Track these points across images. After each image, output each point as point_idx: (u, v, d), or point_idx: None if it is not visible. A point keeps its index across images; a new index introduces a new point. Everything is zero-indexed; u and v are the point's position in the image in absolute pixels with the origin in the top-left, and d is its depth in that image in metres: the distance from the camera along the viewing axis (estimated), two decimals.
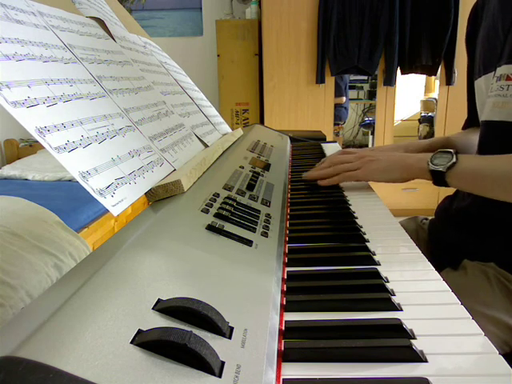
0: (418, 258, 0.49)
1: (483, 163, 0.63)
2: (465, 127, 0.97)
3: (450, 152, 0.64)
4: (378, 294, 0.39)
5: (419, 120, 3.69)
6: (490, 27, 0.76)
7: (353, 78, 3.70)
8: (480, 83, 0.80)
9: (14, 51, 0.40)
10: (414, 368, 0.30)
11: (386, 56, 2.77)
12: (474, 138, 0.80)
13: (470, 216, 0.74)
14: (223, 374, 0.24)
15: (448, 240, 0.78)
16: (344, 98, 3.44)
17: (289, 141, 1.28)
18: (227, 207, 0.50)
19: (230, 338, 0.27)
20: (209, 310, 0.27)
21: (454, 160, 0.63)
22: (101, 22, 0.66)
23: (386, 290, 0.40)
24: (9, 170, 2.31)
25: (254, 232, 0.48)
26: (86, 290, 0.27)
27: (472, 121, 0.92)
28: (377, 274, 0.43)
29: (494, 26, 0.75)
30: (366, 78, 3.70)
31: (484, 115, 0.75)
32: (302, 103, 2.90)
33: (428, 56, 2.75)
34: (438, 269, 0.46)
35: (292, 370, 0.30)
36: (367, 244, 0.52)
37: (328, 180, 0.76)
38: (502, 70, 0.69)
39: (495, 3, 0.75)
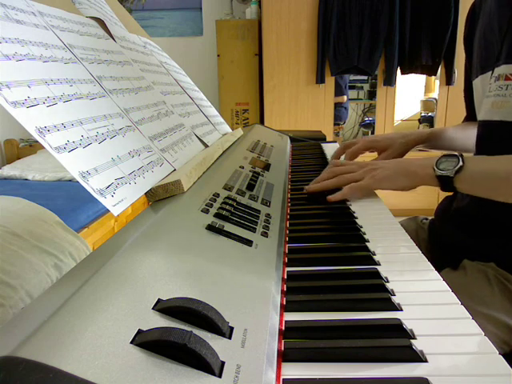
0: (418, 258, 0.49)
1: (493, 164, 0.60)
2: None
3: (456, 155, 0.61)
4: (377, 293, 0.39)
5: (419, 120, 3.69)
6: (487, 27, 0.76)
7: (353, 77, 3.70)
8: (477, 83, 0.80)
9: (14, 51, 0.40)
10: (414, 368, 0.30)
11: (386, 56, 2.77)
12: (472, 131, 0.80)
13: (470, 216, 0.74)
14: (223, 374, 0.24)
15: (448, 240, 0.78)
16: (345, 97, 3.44)
17: (289, 141, 1.28)
18: (227, 207, 0.50)
19: (229, 338, 0.27)
20: (209, 309, 0.27)
21: (461, 163, 0.59)
22: (101, 22, 0.66)
23: (385, 290, 0.40)
24: (9, 170, 2.31)
25: (254, 232, 0.48)
26: (86, 290, 0.27)
27: (471, 118, 0.93)
28: (377, 274, 0.43)
29: (491, 25, 0.74)
30: (366, 78, 3.70)
31: (482, 115, 0.75)
32: (302, 103, 2.90)
33: (428, 56, 2.75)
34: (438, 269, 0.46)
35: (292, 370, 0.30)
36: (367, 244, 0.52)
37: (338, 194, 0.69)
38: (501, 69, 0.69)
39: (491, 2, 0.75)
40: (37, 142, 0.39)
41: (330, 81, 2.87)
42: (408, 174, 0.66)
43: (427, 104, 3.65)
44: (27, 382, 0.18)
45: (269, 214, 0.56)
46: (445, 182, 0.61)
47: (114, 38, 0.67)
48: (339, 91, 3.21)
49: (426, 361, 0.30)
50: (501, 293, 0.63)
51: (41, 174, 2.20)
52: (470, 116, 0.94)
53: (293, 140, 1.35)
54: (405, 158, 0.73)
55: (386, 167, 0.68)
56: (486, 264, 0.67)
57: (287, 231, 0.57)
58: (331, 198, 0.69)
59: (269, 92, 2.88)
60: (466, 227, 0.74)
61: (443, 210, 0.83)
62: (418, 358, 0.30)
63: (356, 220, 0.61)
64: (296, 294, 0.40)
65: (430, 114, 3.57)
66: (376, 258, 0.48)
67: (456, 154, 0.61)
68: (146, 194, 0.48)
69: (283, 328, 0.34)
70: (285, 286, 0.41)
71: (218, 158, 0.73)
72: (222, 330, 0.27)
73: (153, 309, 0.27)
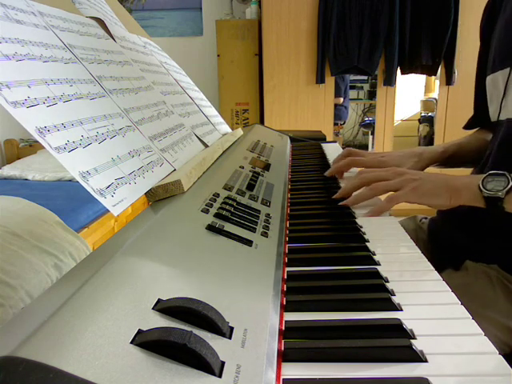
0: (418, 258, 0.49)
1: None
2: (468, 126, 0.95)
3: (503, 174, 0.58)
4: (377, 293, 0.39)
5: (419, 120, 3.70)
6: (510, 19, 0.72)
7: (353, 78, 3.71)
8: (497, 77, 0.76)
9: (14, 51, 0.40)
10: (414, 368, 0.30)
11: (386, 56, 2.77)
12: (485, 141, 0.77)
13: (472, 217, 0.73)
14: (223, 374, 0.24)
15: (450, 240, 0.77)
16: (341, 99, 3.44)
17: (289, 141, 1.28)
18: (227, 207, 0.50)
19: (229, 338, 0.27)
20: (209, 310, 0.27)
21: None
22: (101, 22, 0.66)
23: (386, 290, 0.40)
24: (9, 170, 2.31)
25: (254, 232, 0.48)
26: (86, 290, 0.27)
27: (478, 118, 0.90)
28: (377, 274, 0.43)
29: None
30: (366, 78, 3.71)
31: (509, 113, 0.71)
32: (301, 103, 2.90)
33: (428, 56, 2.75)
34: (438, 269, 0.46)
35: (292, 370, 0.30)
36: (367, 244, 0.52)
37: (377, 208, 0.64)
38: None
39: None
40: (37, 141, 0.39)
41: (330, 81, 2.87)
42: (451, 192, 0.61)
43: (427, 104, 3.65)
44: (27, 382, 0.18)
45: (269, 214, 0.56)
46: (492, 203, 0.59)
47: (114, 38, 0.67)
48: (338, 93, 3.21)
49: (426, 361, 0.30)
50: (504, 295, 0.63)
51: (41, 173, 2.20)
52: (477, 116, 0.90)
53: (293, 140, 1.35)
54: (443, 173, 0.66)
55: (427, 180, 0.63)
56: (489, 266, 0.67)
57: (287, 231, 0.57)
58: (369, 214, 0.64)
59: (269, 92, 2.88)
60: (470, 228, 0.73)
61: (445, 210, 0.83)
62: (418, 358, 0.30)
63: (356, 220, 0.61)
64: (296, 294, 0.40)
65: (430, 114, 3.57)
66: (376, 257, 0.48)
67: (504, 173, 0.59)
68: (146, 194, 0.48)
69: (283, 328, 0.34)
70: (285, 285, 0.41)
71: (218, 158, 0.73)
72: (222, 330, 0.27)
73: (153, 309, 0.27)
